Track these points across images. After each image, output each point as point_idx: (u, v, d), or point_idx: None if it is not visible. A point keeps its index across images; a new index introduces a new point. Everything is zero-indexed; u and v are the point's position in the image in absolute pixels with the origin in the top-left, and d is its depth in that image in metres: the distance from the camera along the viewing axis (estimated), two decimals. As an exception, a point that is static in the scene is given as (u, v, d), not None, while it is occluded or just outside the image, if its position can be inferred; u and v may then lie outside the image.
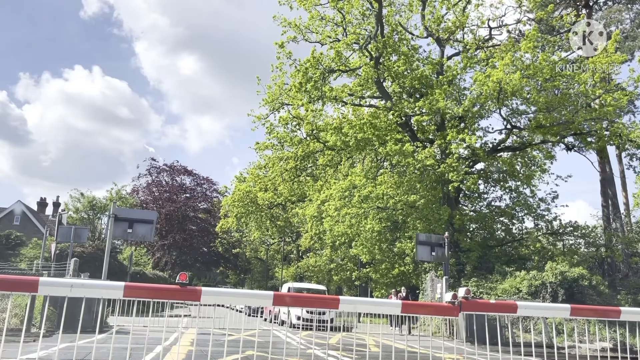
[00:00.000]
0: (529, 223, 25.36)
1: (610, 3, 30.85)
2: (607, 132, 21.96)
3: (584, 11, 28.02)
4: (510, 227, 24.71)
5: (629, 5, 30.09)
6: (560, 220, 24.48)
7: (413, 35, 24.98)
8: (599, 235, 25.75)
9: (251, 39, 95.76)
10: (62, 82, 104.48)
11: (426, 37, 25.01)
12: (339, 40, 23.12)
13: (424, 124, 23.95)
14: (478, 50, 24.32)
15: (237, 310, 32.57)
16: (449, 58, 24.74)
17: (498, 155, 23.83)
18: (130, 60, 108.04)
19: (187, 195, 55.38)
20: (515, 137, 23.86)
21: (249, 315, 26.71)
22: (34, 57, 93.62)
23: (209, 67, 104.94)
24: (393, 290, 24.91)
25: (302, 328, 19.26)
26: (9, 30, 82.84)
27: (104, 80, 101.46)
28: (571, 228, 24.48)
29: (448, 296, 6.49)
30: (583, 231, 24.58)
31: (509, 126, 23.21)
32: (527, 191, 23.93)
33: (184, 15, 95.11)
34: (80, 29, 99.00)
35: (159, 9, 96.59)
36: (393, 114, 22.57)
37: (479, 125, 23.82)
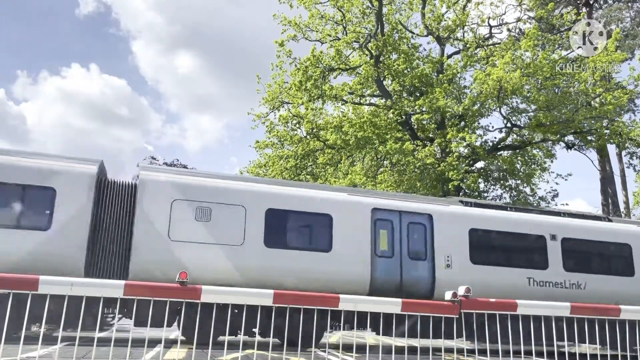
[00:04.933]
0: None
1: (610, 1, 30.88)
2: (607, 131, 21.95)
3: (584, 10, 28.01)
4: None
5: (629, 4, 30.13)
6: (560, 219, 24.44)
7: (413, 33, 24.94)
8: (599, 233, 25.68)
9: (250, 37, 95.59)
10: (59, 79, 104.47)
11: (426, 36, 24.98)
12: (339, 39, 23.11)
13: (424, 122, 23.90)
14: (478, 49, 24.28)
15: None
16: (449, 56, 24.70)
17: (498, 153, 23.79)
18: (128, 59, 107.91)
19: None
20: (515, 136, 23.83)
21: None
22: (31, 55, 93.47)
23: (208, 66, 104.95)
24: None
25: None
26: (5, 28, 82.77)
27: (101, 79, 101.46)
28: (571, 227, 24.42)
29: (448, 294, 6.49)
30: (583, 230, 24.53)
31: (509, 125, 23.19)
32: (527, 190, 23.88)
33: (181, 13, 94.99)
34: (76, 28, 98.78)
35: (156, 8, 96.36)
36: (393, 113, 22.56)
37: (479, 123, 23.75)
